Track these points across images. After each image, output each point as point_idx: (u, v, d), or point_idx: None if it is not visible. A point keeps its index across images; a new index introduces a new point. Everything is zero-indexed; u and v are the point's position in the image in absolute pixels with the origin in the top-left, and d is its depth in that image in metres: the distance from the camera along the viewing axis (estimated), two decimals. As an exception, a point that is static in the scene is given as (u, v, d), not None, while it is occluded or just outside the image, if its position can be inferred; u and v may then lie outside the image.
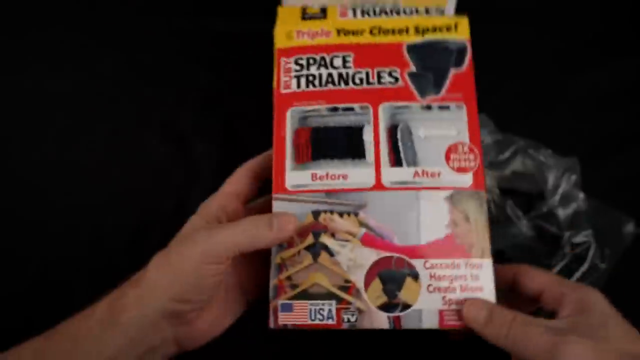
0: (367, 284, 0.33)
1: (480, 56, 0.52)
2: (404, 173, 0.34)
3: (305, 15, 0.39)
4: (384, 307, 0.32)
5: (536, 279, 0.32)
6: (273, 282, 0.33)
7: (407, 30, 0.37)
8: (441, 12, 0.38)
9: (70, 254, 0.46)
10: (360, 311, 0.32)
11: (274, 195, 0.34)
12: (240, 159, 0.41)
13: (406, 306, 0.32)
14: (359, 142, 0.35)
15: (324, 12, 0.39)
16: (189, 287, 0.30)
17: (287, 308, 0.33)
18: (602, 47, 0.58)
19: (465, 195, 0.34)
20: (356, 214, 0.34)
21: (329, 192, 0.34)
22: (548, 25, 0.59)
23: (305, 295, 0.33)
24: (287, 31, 0.38)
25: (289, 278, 0.33)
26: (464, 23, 0.37)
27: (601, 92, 0.55)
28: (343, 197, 0.34)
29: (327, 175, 0.35)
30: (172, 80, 0.56)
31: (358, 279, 0.33)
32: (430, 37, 0.37)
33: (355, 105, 0.36)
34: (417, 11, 0.38)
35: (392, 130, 0.35)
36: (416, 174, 0.34)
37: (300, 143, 0.35)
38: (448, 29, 0.37)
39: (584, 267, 0.44)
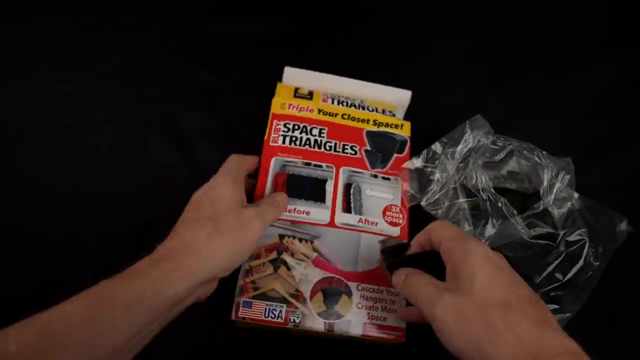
0: (312, 295, 0.42)
1: (478, 58, 0.61)
2: (351, 218, 0.46)
3: (296, 93, 0.52)
4: (323, 314, 0.41)
5: (437, 233, 0.36)
6: (240, 283, 0.42)
7: (368, 121, 0.51)
8: (392, 114, 0.53)
9: (75, 251, 0.46)
10: (304, 315, 0.41)
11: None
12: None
13: (339, 316, 0.42)
14: (322, 190, 0.47)
15: (310, 95, 0.52)
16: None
17: (248, 305, 0.41)
18: (595, 50, 0.60)
19: (393, 241, 0.45)
20: (312, 242, 0.44)
21: (294, 222, 0.45)
22: (542, 28, 0.62)
23: (263, 297, 0.41)
24: (281, 102, 0.51)
25: (253, 282, 0.42)
26: (407, 125, 0.52)
27: (594, 93, 0.57)
28: (304, 228, 0.45)
29: (294, 210, 0.45)
30: (173, 81, 0.57)
31: (306, 290, 0.42)
32: (383, 129, 0.51)
33: (323, 164, 0.48)
34: (376, 110, 0.53)
35: (347, 187, 0.47)
36: (360, 220, 0.46)
37: (278, 183, 0.46)
38: (396, 126, 0.52)
39: (579, 265, 0.44)
